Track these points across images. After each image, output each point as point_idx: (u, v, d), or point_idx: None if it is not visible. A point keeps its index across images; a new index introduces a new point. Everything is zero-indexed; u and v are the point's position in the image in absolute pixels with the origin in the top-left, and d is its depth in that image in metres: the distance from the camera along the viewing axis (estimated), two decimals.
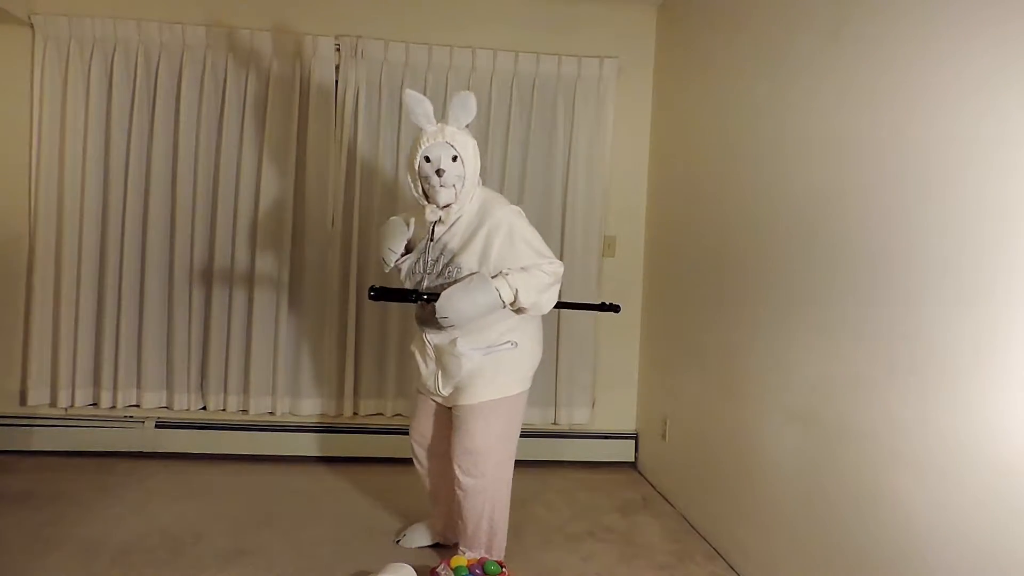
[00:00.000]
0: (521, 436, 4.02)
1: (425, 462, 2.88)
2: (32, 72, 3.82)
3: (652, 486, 3.91)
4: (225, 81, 3.89)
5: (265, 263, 3.92)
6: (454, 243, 2.57)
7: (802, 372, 2.54)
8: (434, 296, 2.48)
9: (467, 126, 2.56)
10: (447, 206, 2.53)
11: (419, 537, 2.99)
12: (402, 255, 2.70)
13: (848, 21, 2.35)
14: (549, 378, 4.13)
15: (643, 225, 4.27)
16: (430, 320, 2.55)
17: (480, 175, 2.66)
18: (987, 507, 1.73)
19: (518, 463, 4.18)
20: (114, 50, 3.83)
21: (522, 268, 2.51)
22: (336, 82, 3.96)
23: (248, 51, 3.89)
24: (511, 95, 4.04)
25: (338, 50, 3.95)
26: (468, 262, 2.53)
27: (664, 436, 3.79)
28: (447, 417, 2.73)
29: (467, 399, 2.60)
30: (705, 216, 3.43)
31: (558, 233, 4.10)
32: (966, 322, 1.81)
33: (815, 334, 2.47)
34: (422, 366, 2.73)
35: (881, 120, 2.16)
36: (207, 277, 3.93)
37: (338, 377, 4.01)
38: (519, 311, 2.57)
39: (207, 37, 3.86)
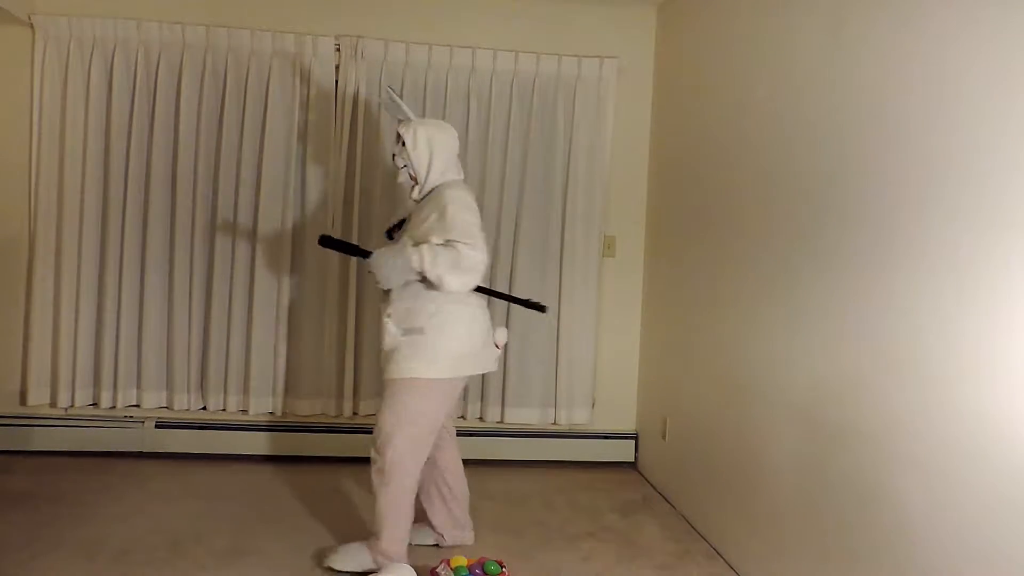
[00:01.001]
0: (522, 436, 4.12)
1: None
2: (32, 72, 3.82)
3: (652, 486, 3.91)
4: (225, 81, 3.89)
5: (265, 263, 3.91)
6: (414, 222, 2.77)
7: (802, 371, 2.54)
8: (370, 253, 2.70)
9: (432, 119, 2.96)
10: (412, 187, 2.81)
11: (421, 536, 2.99)
12: None
13: (847, 21, 2.35)
14: (549, 378, 4.13)
15: (643, 225, 4.27)
16: (381, 278, 2.71)
17: (456, 168, 2.85)
18: (988, 507, 1.73)
19: (519, 463, 4.19)
20: (114, 50, 3.83)
21: (444, 243, 2.60)
22: (336, 82, 3.96)
23: (248, 51, 3.89)
24: (511, 95, 4.04)
25: (338, 50, 3.95)
26: (412, 235, 2.71)
27: (664, 436, 3.79)
28: None
29: (385, 374, 2.73)
30: (705, 216, 3.43)
31: (558, 233, 4.10)
32: (968, 321, 1.81)
33: (815, 334, 2.47)
34: None
35: (882, 118, 2.16)
36: (207, 277, 3.93)
37: (338, 377, 4.01)
38: (429, 282, 2.63)
39: (207, 37, 3.86)
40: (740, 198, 3.08)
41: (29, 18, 3.76)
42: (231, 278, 3.93)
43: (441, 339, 2.67)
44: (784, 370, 2.66)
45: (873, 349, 2.15)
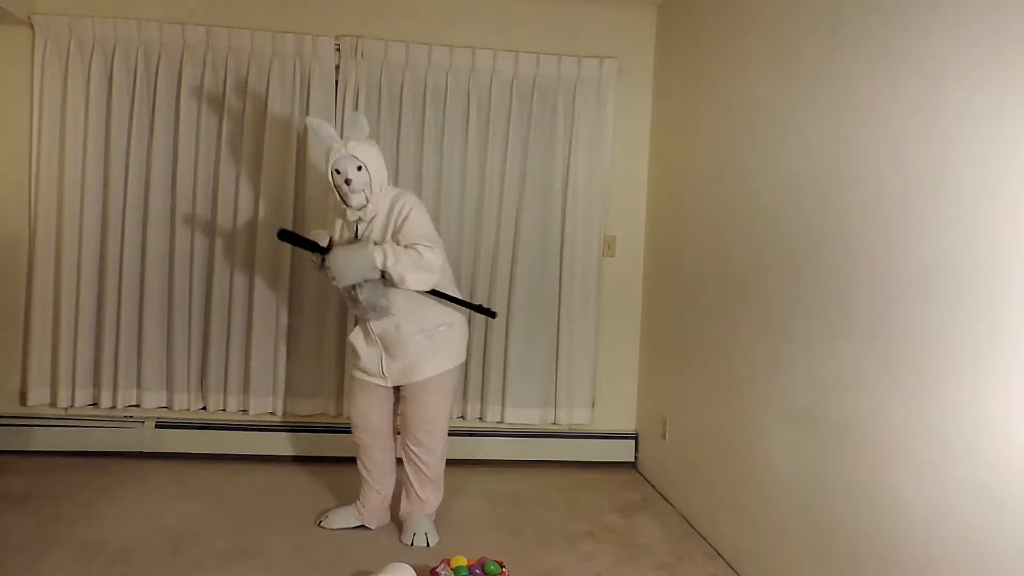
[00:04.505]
0: (521, 436, 4.13)
1: (370, 441, 3.11)
2: (32, 72, 3.81)
3: (652, 486, 3.91)
4: (225, 81, 3.89)
5: (265, 263, 3.91)
6: (376, 235, 2.93)
7: (802, 372, 2.54)
8: (328, 250, 2.85)
9: (371, 137, 2.95)
10: (363, 207, 2.89)
11: (343, 519, 3.16)
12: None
13: (847, 20, 2.35)
14: (549, 378, 4.13)
15: (643, 225, 4.27)
16: (374, 307, 2.89)
17: (391, 176, 3.09)
18: (986, 507, 1.73)
19: (519, 463, 4.20)
20: (114, 50, 3.83)
21: (406, 245, 2.84)
22: (336, 82, 3.96)
23: (248, 51, 3.89)
24: (511, 95, 4.04)
25: (338, 50, 3.95)
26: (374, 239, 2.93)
27: (664, 436, 3.79)
28: (386, 398, 3.10)
29: (418, 376, 2.99)
30: (705, 216, 3.43)
31: (558, 233, 4.10)
32: (965, 321, 1.81)
33: (815, 334, 2.47)
34: (363, 351, 3.04)
35: (882, 118, 2.17)
36: (207, 277, 3.93)
37: (338, 377, 4.00)
38: (391, 280, 2.85)
39: (207, 37, 3.86)
40: (740, 197, 3.08)
41: (29, 18, 3.76)
42: (231, 278, 3.93)
43: (460, 330, 3.09)
44: (784, 370, 2.66)
45: (872, 349, 2.15)
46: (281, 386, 3.97)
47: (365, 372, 3.07)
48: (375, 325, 2.96)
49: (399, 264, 2.79)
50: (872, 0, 2.23)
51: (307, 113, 3.92)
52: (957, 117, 1.87)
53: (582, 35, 4.14)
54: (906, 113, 2.06)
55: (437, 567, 2.65)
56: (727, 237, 3.18)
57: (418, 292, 2.89)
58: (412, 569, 2.58)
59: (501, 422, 4.11)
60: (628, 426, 4.28)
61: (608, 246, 4.23)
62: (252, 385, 3.94)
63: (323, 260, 2.87)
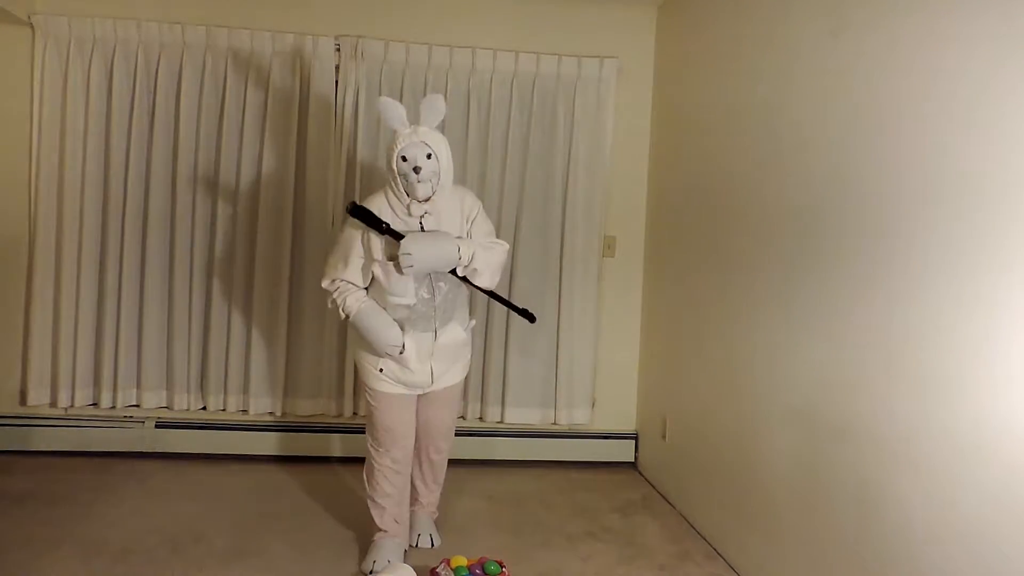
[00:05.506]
0: (522, 436, 4.13)
1: (405, 455, 2.85)
2: (32, 72, 3.82)
3: (652, 486, 3.91)
4: (225, 81, 3.89)
5: (265, 263, 3.91)
6: (443, 229, 2.74)
7: (802, 371, 2.54)
8: (400, 234, 2.61)
9: (439, 126, 2.73)
10: (428, 199, 2.69)
11: (394, 552, 2.79)
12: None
13: (847, 19, 2.35)
14: (549, 378, 4.13)
15: (643, 225, 4.27)
16: (444, 307, 2.73)
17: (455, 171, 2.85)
18: (988, 506, 1.73)
19: (519, 463, 4.20)
20: (114, 50, 3.83)
21: (488, 241, 2.80)
22: (336, 82, 3.96)
23: (248, 51, 3.89)
24: (511, 95, 4.04)
25: (338, 50, 3.95)
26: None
27: (664, 436, 3.79)
28: (415, 406, 2.90)
29: (452, 380, 2.90)
30: (705, 216, 3.43)
31: (558, 233, 4.10)
32: (967, 320, 1.81)
33: (815, 333, 2.47)
34: (412, 371, 2.75)
35: (880, 119, 2.17)
36: (207, 277, 3.93)
37: (338, 377, 4.00)
38: (464, 275, 2.72)
39: (207, 37, 3.86)
40: (740, 198, 3.08)
41: (29, 18, 3.76)
42: (231, 278, 3.93)
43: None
44: (784, 370, 2.66)
45: (873, 349, 2.15)
46: (281, 386, 3.96)
47: (410, 385, 2.79)
48: (442, 332, 2.75)
49: (481, 261, 2.67)
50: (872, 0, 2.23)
51: (307, 112, 3.92)
52: (959, 114, 1.87)
53: (582, 35, 4.13)
54: (907, 111, 2.06)
55: (437, 567, 2.65)
56: (728, 237, 3.18)
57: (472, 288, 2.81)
58: (412, 569, 2.58)
59: (501, 422, 4.10)
60: (628, 426, 4.28)
61: (608, 246, 4.23)
62: (252, 385, 3.94)
63: (393, 236, 2.63)
